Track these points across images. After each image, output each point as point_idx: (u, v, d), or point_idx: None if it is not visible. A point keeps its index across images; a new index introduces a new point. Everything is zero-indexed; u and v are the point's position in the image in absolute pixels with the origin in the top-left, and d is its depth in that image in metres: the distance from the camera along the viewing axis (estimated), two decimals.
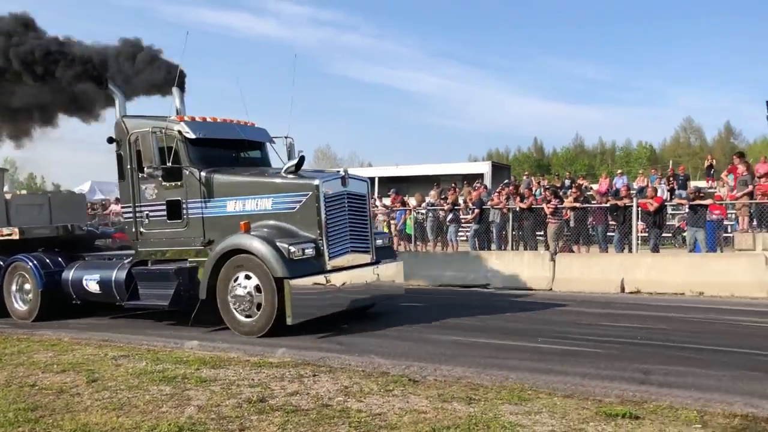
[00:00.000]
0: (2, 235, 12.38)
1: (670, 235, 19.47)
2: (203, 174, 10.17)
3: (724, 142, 65.41)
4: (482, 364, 7.33)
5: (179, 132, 10.30)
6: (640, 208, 15.29)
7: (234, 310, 9.46)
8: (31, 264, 11.90)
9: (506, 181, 25.07)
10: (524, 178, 27.79)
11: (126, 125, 10.90)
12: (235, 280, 9.45)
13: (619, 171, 27.65)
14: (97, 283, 11.06)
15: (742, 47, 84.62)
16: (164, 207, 10.56)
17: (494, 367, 7.16)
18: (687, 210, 15.96)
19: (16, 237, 12.22)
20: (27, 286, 12.17)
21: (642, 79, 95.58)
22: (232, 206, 10.04)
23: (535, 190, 20.65)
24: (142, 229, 10.82)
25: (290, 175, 9.87)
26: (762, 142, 58.41)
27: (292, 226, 9.56)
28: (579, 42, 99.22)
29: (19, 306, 12.22)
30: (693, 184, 21.38)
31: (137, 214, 10.86)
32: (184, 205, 10.37)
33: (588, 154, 72.29)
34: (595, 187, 24.04)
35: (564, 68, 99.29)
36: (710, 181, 23.40)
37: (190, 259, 10.40)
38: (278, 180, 9.83)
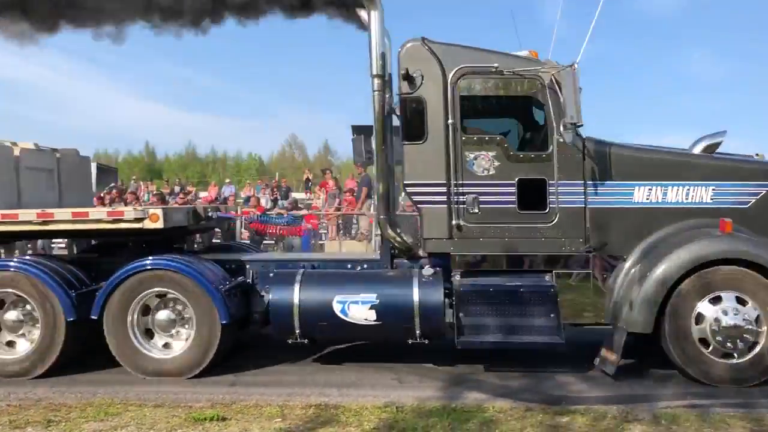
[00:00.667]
0: (127, 222, 6.81)
1: (273, 242, 20.92)
2: (593, 145, 6.88)
3: (323, 159, 69.49)
4: (66, 381, 6.83)
5: (552, 77, 6.82)
6: (244, 217, 15.76)
7: (703, 350, 6.49)
8: (189, 272, 6.77)
9: (112, 184, 23.33)
10: (132, 182, 28.14)
11: (439, 55, 6.86)
12: (697, 307, 6.51)
13: (228, 180, 29.29)
14: (374, 308, 6.69)
15: (338, 77, 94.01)
16: (513, 189, 6.86)
17: (81, 384, 6.74)
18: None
19: (159, 225, 6.85)
20: (162, 316, 6.91)
21: (254, 93, 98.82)
22: (642, 195, 7.00)
23: (143, 195, 21.40)
24: (461, 222, 6.89)
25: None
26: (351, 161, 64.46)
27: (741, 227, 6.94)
28: (193, 50, 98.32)
29: (154, 353, 6.88)
30: (294, 195, 23.62)
31: (455, 198, 6.88)
32: (551, 188, 6.84)
33: (201, 162, 72.86)
34: (204, 194, 25.28)
35: (178, 74, 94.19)
36: (308, 194, 25.86)
37: (557, 271, 6.93)
38: (727, 162, 7.11)
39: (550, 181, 6.91)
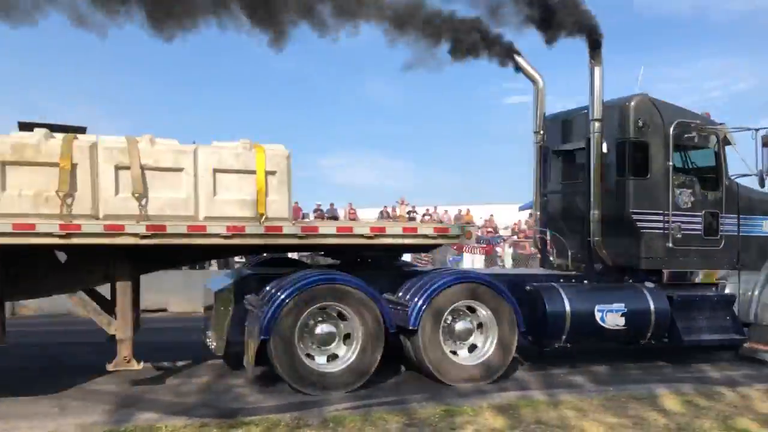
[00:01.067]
0: (449, 237, 7.34)
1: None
2: (742, 189, 9.29)
3: None
4: None
5: (725, 136, 9.10)
6: None
7: None
8: (495, 284, 7.68)
9: None
10: None
11: (660, 109, 8.70)
12: None
13: None
14: (624, 315, 8.22)
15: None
16: (701, 219, 8.95)
17: None
18: None
19: (472, 242, 7.55)
20: (460, 325, 7.63)
21: None
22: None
23: None
24: (670, 244, 8.73)
25: None
26: None
27: None
28: None
29: (458, 360, 7.52)
30: None
31: (667, 225, 8.72)
32: (721, 220, 9.10)
33: None
34: None
35: None
36: None
37: (725, 283, 9.17)
38: None
39: (720, 215, 9.00)
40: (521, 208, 33.42)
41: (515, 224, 29.18)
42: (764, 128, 8.79)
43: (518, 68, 9.79)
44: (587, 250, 8.95)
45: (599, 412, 6.31)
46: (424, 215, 29.42)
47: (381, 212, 29.61)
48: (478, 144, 77.35)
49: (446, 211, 30.50)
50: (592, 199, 8.71)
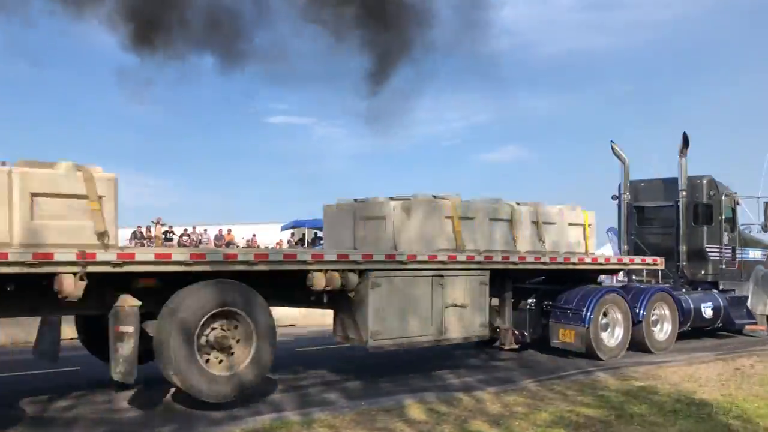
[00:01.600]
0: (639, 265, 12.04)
1: None
2: (741, 231, 15.22)
3: None
4: None
5: (737, 201, 14.96)
6: None
7: None
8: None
9: None
10: None
11: (717, 185, 14.30)
12: None
13: None
14: (712, 309, 13.54)
15: None
16: (730, 250, 14.68)
17: None
18: None
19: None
20: (653, 317, 12.33)
21: None
22: (752, 254, 15.55)
23: None
24: (723, 266, 14.32)
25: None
26: None
27: None
28: None
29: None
30: None
31: (721, 254, 14.30)
32: (737, 251, 14.91)
33: None
34: None
35: None
36: None
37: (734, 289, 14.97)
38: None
39: (736, 248, 14.69)
40: (283, 228, 33.17)
41: (278, 243, 28.81)
42: (765, 197, 14.77)
43: (614, 152, 14.68)
44: (675, 270, 14.07)
45: (351, 428, 6.37)
46: (182, 236, 28.57)
47: (134, 232, 28.20)
48: (239, 162, 74.16)
49: (206, 230, 29.00)
50: (680, 237, 13.87)
